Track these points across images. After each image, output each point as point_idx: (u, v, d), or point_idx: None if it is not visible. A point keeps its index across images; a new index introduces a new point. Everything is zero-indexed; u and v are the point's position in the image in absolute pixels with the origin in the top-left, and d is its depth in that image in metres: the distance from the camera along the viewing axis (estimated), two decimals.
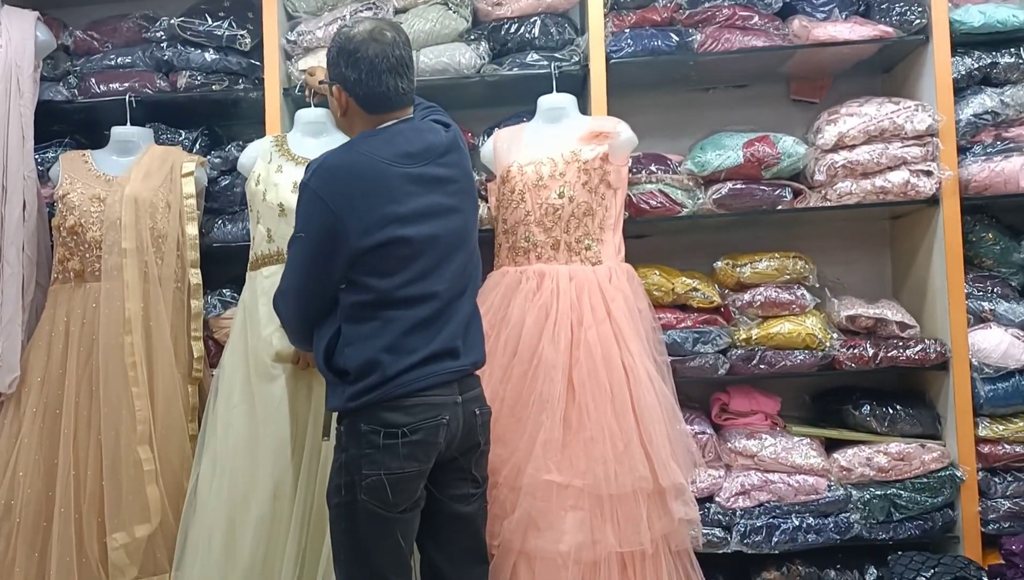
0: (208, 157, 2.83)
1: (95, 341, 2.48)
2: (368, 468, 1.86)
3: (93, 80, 2.84)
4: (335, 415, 1.98)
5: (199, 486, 2.41)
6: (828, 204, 2.71)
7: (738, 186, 2.69)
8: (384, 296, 1.88)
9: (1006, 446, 2.64)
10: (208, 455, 2.42)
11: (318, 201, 1.85)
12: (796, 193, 2.75)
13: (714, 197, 2.70)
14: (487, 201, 2.71)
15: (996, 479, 2.65)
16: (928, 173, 2.67)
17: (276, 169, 2.51)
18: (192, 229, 2.64)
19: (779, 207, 2.72)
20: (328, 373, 1.92)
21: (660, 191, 2.71)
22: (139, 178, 2.60)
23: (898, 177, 2.67)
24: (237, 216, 2.81)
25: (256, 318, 2.46)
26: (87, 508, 2.40)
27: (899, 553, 2.55)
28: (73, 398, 2.46)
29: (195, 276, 2.63)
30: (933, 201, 2.68)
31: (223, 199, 2.83)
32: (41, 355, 2.52)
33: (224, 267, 2.81)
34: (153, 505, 2.39)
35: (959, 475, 2.62)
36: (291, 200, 2.45)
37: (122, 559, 2.35)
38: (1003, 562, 2.56)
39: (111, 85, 2.83)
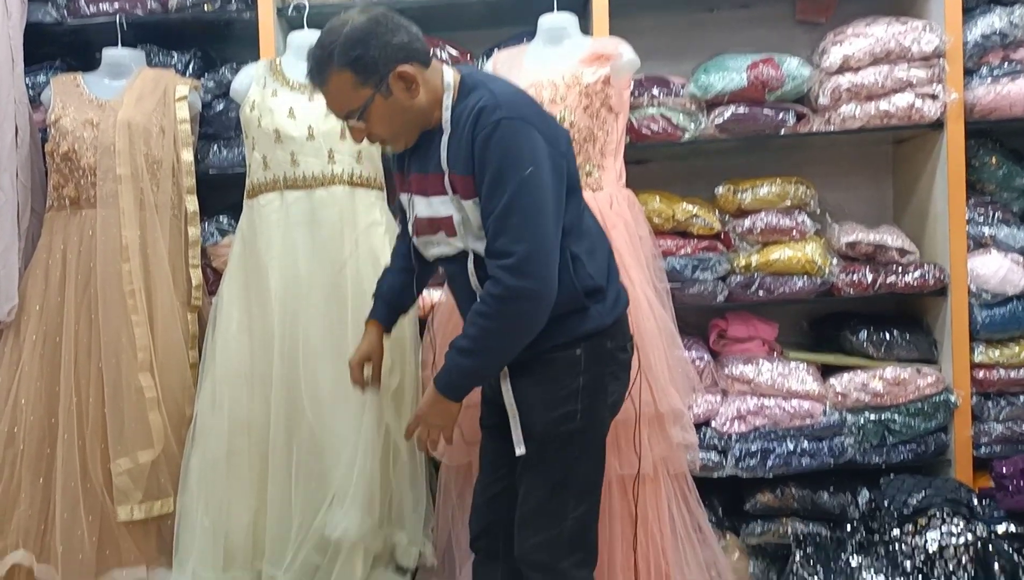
0: (201, 80, 2.77)
1: (93, 269, 2.47)
2: (613, 385, 1.88)
3: (82, 0, 2.76)
4: (550, 345, 1.83)
5: (200, 414, 2.43)
6: (831, 128, 2.67)
7: (741, 110, 2.65)
8: (582, 201, 1.88)
9: (1001, 371, 2.67)
10: (208, 383, 2.44)
11: (525, 126, 1.71)
12: (799, 117, 2.71)
13: (716, 121, 2.66)
14: None
15: (990, 403, 2.68)
16: (933, 96, 2.63)
17: (271, 93, 2.46)
18: (187, 155, 2.60)
19: (782, 132, 2.69)
20: (580, 300, 1.81)
21: (662, 115, 2.67)
22: (132, 102, 2.56)
23: (903, 100, 2.64)
24: (233, 142, 2.76)
25: (255, 247, 2.45)
26: (90, 434, 2.42)
27: (891, 476, 2.60)
28: (72, 326, 2.46)
29: (191, 203, 2.60)
30: (937, 125, 2.65)
31: (218, 124, 2.78)
32: (39, 283, 2.50)
33: (221, 194, 2.78)
34: (156, 432, 2.41)
35: (953, 400, 2.65)
36: (287, 126, 2.42)
37: (126, 484, 2.38)
38: (993, 485, 2.62)
39: (101, 6, 2.76)
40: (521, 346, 1.78)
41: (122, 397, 2.41)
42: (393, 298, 2.13)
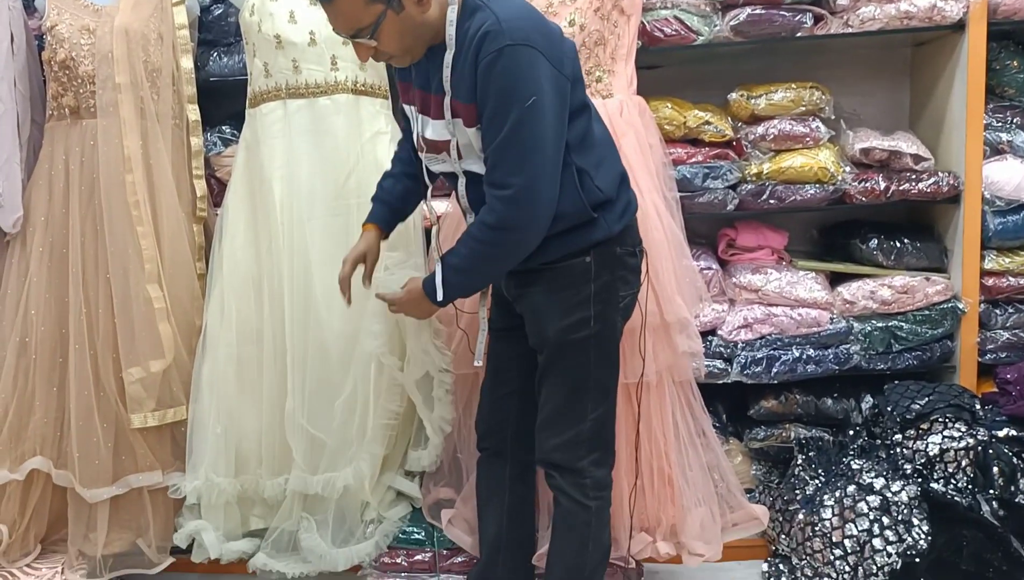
0: None
1: (96, 180, 2.44)
2: (624, 289, 1.93)
3: None
4: (560, 255, 1.87)
5: (209, 324, 2.44)
6: (850, 30, 2.59)
7: (757, 11, 2.56)
8: (590, 113, 1.87)
9: (1010, 278, 2.66)
10: (216, 294, 2.45)
11: (529, 52, 1.68)
12: (817, 19, 2.62)
13: (731, 23, 2.58)
14: None
15: (997, 311, 2.68)
16: None
17: None
18: (187, 62, 2.55)
19: (799, 34, 2.61)
20: (586, 213, 1.83)
21: (675, 17, 2.59)
22: (128, 8, 2.48)
23: (924, 0, 2.54)
24: (233, 48, 2.69)
25: (258, 158, 2.42)
26: (101, 345, 2.43)
27: (895, 382, 2.62)
28: (79, 238, 2.45)
29: (193, 112, 2.56)
30: (959, 26, 2.58)
31: (217, 30, 2.70)
32: (42, 194, 2.48)
33: (223, 102, 2.73)
34: (166, 342, 2.43)
35: (961, 307, 2.65)
36: (288, 31, 2.36)
37: (139, 392, 2.42)
38: (996, 390, 2.64)
39: None
40: (508, 268, 1.86)
41: (131, 308, 2.42)
42: (393, 201, 2.13)
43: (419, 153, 1.97)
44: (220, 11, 2.69)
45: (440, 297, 1.89)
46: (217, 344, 2.40)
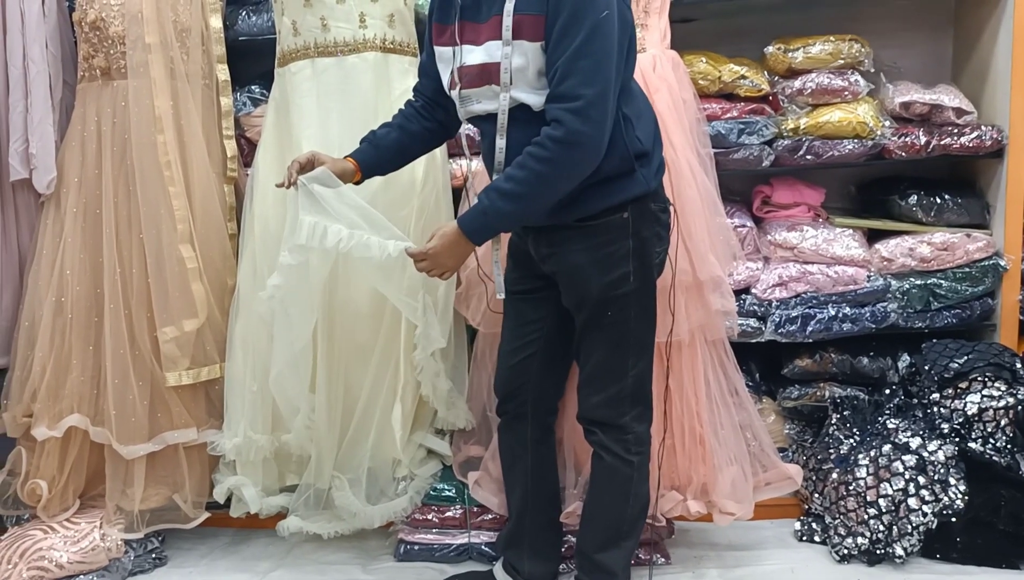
0: None
1: (128, 140, 2.45)
2: (659, 246, 1.96)
3: None
4: (599, 209, 1.86)
5: (242, 283, 2.46)
6: None
7: None
8: (633, 63, 1.86)
9: None
10: (247, 255, 2.46)
11: None
12: None
13: None
14: None
15: None
16: None
17: None
18: (216, 22, 2.54)
19: None
20: (630, 161, 1.82)
21: None
22: None
23: None
24: (262, 7, 2.67)
25: (288, 117, 2.41)
26: (135, 304, 2.46)
27: (933, 341, 2.57)
28: (112, 198, 2.47)
29: (223, 72, 2.55)
30: None
31: None
32: (75, 155, 2.50)
33: (252, 62, 2.71)
34: (199, 301, 2.45)
35: (1003, 264, 2.60)
36: None
37: (173, 351, 2.44)
38: None
39: None
40: (559, 196, 1.78)
41: (164, 267, 2.44)
42: (381, 146, 2.06)
43: (452, 92, 1.90)
44: None
45: (481, 233, 1.82)
46: (250, 303, 2.41)
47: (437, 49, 1.93)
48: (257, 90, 2.70)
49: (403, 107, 2.12)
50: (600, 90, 1.67)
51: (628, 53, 1.81)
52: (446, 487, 2.49)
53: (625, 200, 1.86)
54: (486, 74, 1.79)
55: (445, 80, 1.92)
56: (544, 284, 2.04)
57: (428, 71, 2.01)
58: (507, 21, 1.73)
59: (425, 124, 2.07)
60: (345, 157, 2.07)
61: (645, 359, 1.99)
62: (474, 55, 1.81)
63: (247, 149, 2.68)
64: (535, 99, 1.77)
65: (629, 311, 1.92)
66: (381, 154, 2.08)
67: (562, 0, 1.67)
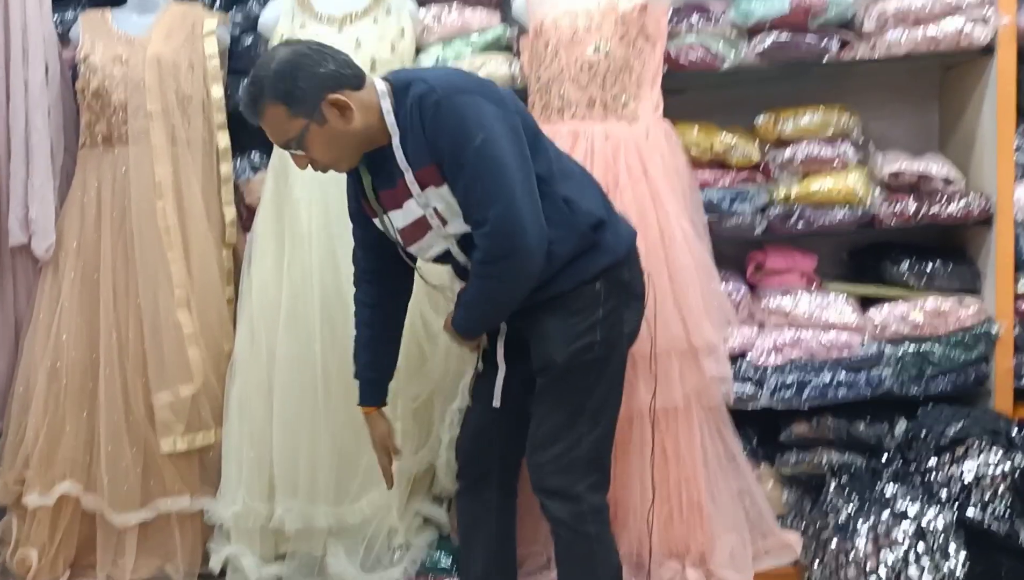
0: (229, 14, 2.73)
1: (127, 206, 2.48)
2: (629, 315, 1.97)
3: None
4: (572, 284, 1.90)
5: (238, 349, 2.46)
6: (876, 56, 2.59)
7: (783, 37, 2.56)
8: (555, 149, 1.94)
9: None
10: (245, 319, 2.46)
11: (464, 96, 1.75)
12: (843, 44, 2.62)
13: (757, 49, 2.57)
14: (519, 57, 2.61)
15: None
16: (984, 20, 2.53)
17: (299, 26, 2.44)
18: (217, 90, 2.58)
19: (825, 60, 2.60)
20: (589, 237, 1.88)
21: (701, 44, 2.59)
22: (160, 38, 2.53)
23: (951, 25, 2.53)
24: None
25: (287, 183, 2.44)
26: (131, 369, 2.46)
27: (929, 406, 2.57)
28: (110, 263, 2.48)
29: (223, 139, 2.59)
30: (988, 50, 2.56)
31: (246, 59, 2.73)
32: (75, 221, 2.52)
33: (252, 130, 2.71)
34: (195, 366, 2.45)
35: (995, 330, 2.61)
36: None
37: (168, 417, 2.43)
38: None
39: None
40: (519, 296, 1.84)
41: (161, 333, 2.44)
42: (375, 373, 2.12)
43: (403, 252, 1.99)
44: (250, 40, 2.73)
45: (470, 333, 1.98)
46: (247, 369, 2.41)
47: (374, 222, 1.98)
48: (257, 157, 2.75)
49: (355, 310, 2.10)
50: (504, 204, 1.73)
51: (535, 145, 1.85)
52: (442, 556, 2.46)
53: (596, 272, 1.89)
54: (421, 227, 1.89)
55: (397, 244, 1.98)
56: (514, 346, 2.04)
57: (362, 242, 2.05)
58: (409, 178, 1.82)
59: (388, 288, 2.08)
60: (362, 409, 2.12)
61: (603, 427, 1.96)
62: (402, 217, 1.90)
63: (246, 215, 2.70)
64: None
65: (590, 378, 1.92)
66: (379, 378, 2.13)
67: (440, 143, 1.75)
